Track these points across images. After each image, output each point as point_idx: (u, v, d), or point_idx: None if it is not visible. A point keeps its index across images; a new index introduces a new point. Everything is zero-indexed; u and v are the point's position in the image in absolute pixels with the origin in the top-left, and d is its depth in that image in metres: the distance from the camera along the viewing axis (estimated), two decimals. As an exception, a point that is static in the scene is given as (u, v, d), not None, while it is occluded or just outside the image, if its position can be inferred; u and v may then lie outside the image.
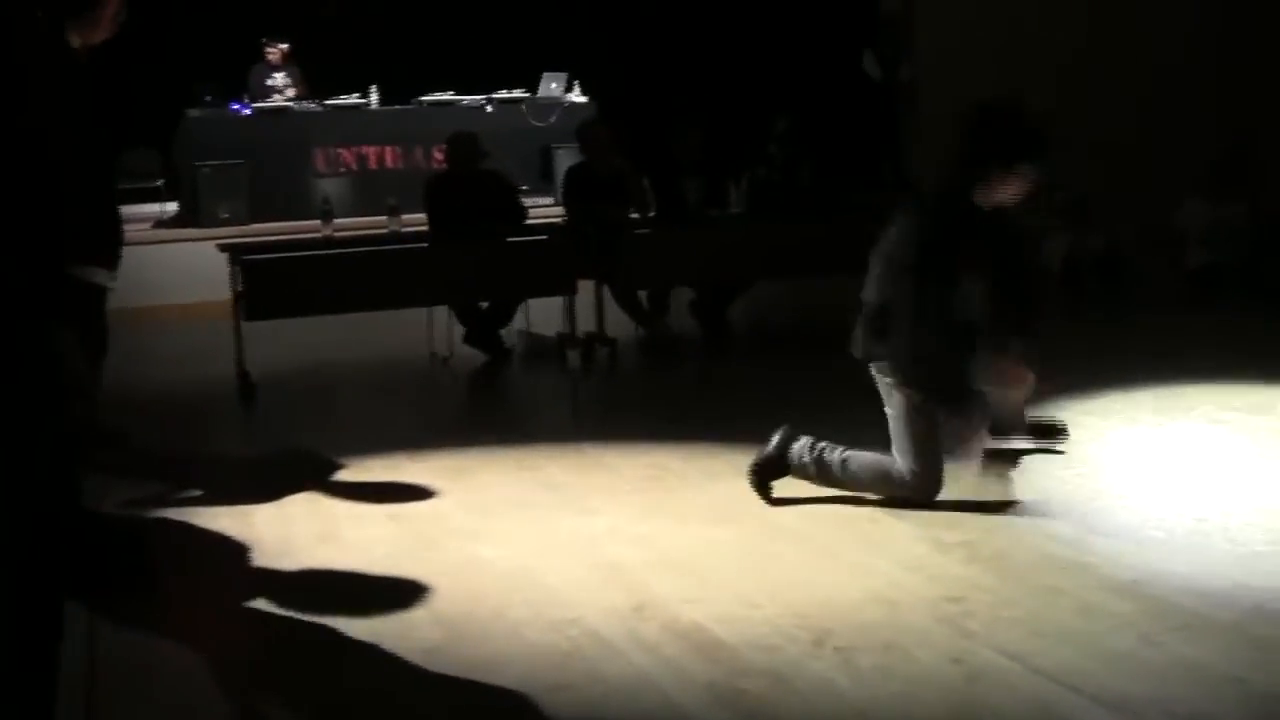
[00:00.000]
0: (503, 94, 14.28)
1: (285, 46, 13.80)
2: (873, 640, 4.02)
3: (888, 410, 5.35)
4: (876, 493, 5.37)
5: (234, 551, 5.31)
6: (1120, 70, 13.13)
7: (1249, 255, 10.28)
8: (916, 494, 5.28)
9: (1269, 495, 5.36)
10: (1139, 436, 6.33)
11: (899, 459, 5.30)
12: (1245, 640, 3.94)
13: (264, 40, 13.73)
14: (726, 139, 10.81)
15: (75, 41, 6.04)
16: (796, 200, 9.70)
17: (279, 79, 13.75)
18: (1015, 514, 5.22)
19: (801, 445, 5.44)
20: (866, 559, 4.79)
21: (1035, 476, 5.69)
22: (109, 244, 6.21)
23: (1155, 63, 13.26)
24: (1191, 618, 4.11)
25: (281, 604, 4.64)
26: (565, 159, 12.19)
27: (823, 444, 5.43)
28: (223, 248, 8.65)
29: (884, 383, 5.35)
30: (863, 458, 5.37)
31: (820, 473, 5.42)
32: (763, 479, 5.49)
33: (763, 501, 5.45)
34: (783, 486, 5.49)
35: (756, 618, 4.23)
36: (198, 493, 6.14)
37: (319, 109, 13.75)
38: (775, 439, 5.49)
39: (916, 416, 5.26)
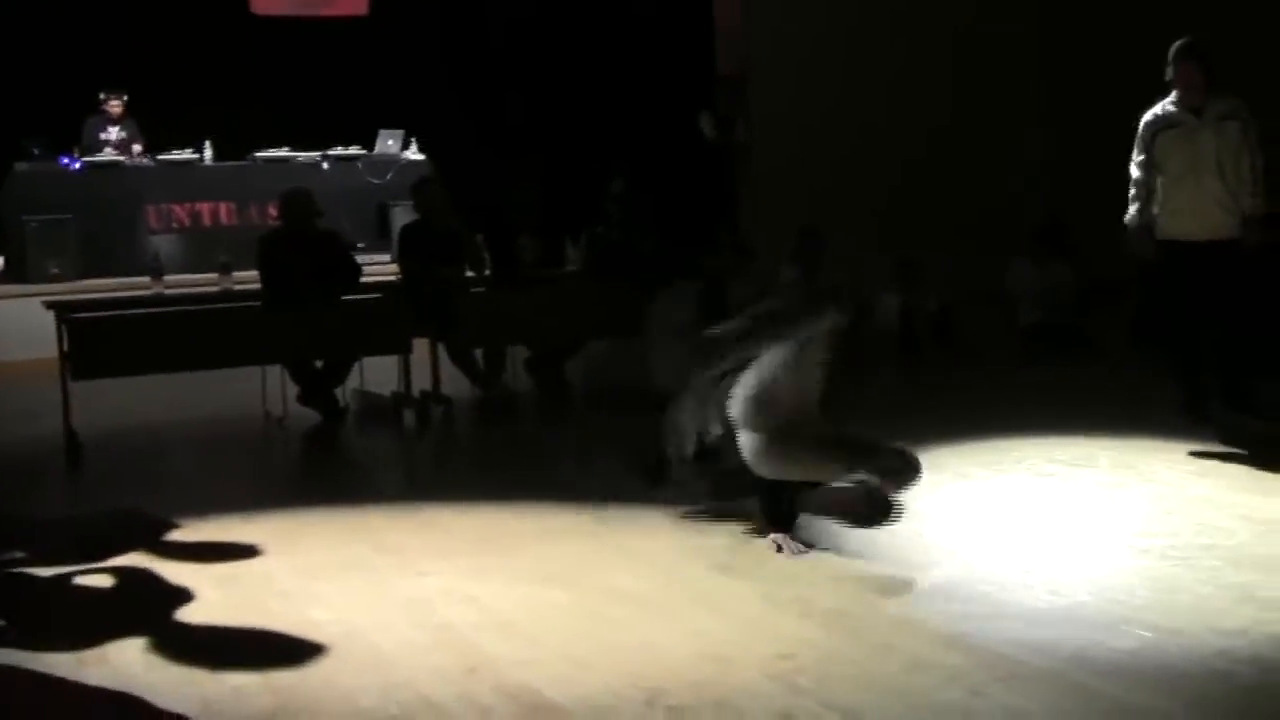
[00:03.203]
0: (339, 151, 14.17)
1: (125, 99, 13.55)
2: (704, 698, 4.04)
3: None
4: None
5: (57, 616, 5.19)
6: (952, 131, 13.41)
7: (1075, 314, 10.55)
8: None
9: (1090, 546, 5.49)
10: (968, 490, 6.45)
11: None
12: (1068, 687, 4.04)
13: (103, 94, 13.46)
14: (563, 198, 10.84)
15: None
16: (635, 260, 9.74)
17: (113, 133, 13.50)
18: (848, 570, 5.28)
19: None
20: (700, 618, 4.80)
21: (867, 531, 5.73)
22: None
23: (985, 124, 13.57)
24: (1017, 667, 4.20)
25: (106, 671, 4.52)
26: (401, 216, 12.11)
27: None
28: (49, 304, 8.47)
29: None
30: None
31: None
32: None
33: (597, 563, 5.44)
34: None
35: (588, 679, 4.22)
36: (20, 554, 5.97)
37: (151, 164, 13.52)
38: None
39: None
